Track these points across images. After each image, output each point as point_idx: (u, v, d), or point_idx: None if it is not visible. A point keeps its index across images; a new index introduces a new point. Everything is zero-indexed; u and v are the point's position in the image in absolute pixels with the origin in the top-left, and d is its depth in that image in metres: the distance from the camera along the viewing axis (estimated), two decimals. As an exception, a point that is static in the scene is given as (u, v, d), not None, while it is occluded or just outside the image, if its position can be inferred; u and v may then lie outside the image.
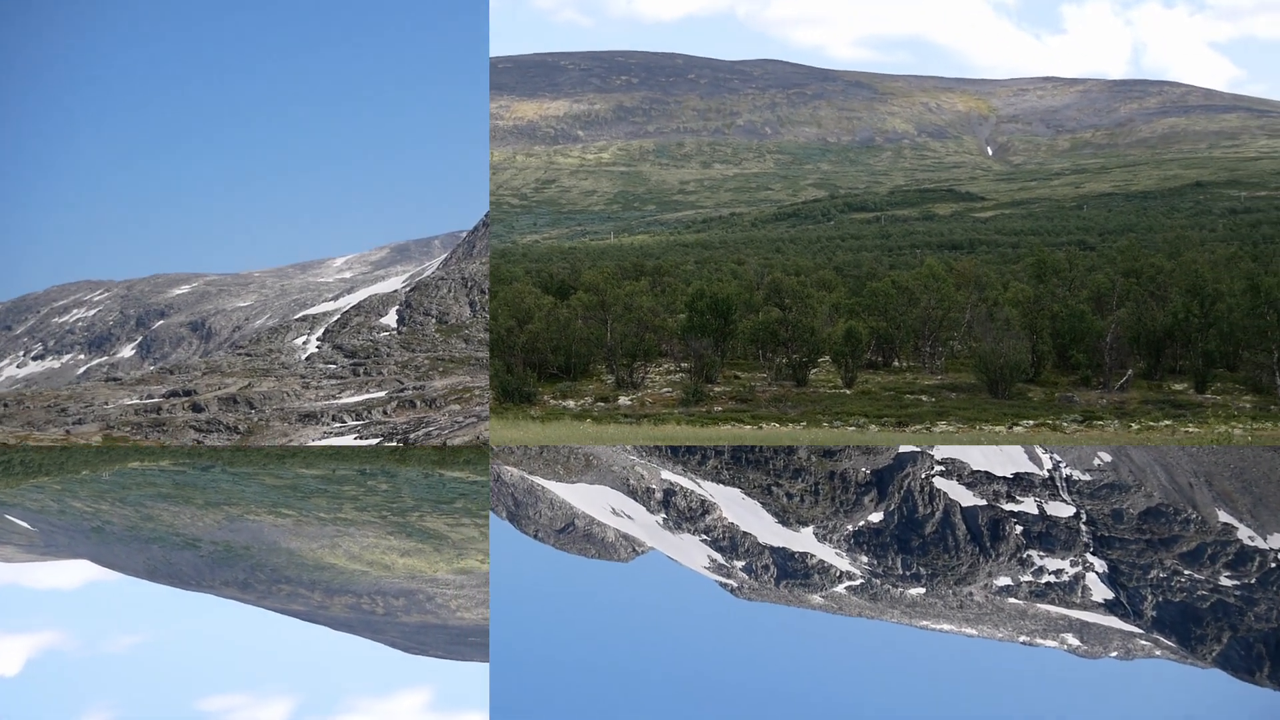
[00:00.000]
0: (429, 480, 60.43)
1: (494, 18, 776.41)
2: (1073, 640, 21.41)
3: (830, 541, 27.27)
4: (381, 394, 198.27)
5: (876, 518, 29.81)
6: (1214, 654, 20.48)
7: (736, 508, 30.03)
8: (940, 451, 39.33)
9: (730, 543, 27.32)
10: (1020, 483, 34.26)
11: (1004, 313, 69.37)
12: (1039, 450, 40.35)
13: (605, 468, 34.15)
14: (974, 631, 21.75)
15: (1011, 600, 23.54)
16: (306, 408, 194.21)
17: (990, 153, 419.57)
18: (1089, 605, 23.06)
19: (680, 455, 36.29)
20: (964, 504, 31.25)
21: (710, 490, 31.81)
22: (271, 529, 42.29)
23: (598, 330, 72.78)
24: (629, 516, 29.35)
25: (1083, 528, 29.30)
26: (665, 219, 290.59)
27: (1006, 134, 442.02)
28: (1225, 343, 63.12)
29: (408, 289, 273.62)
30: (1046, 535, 28.50)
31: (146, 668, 25.38)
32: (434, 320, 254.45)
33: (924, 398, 60.03)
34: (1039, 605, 23.15)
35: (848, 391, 62.58)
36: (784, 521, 29.02)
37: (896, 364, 74.21)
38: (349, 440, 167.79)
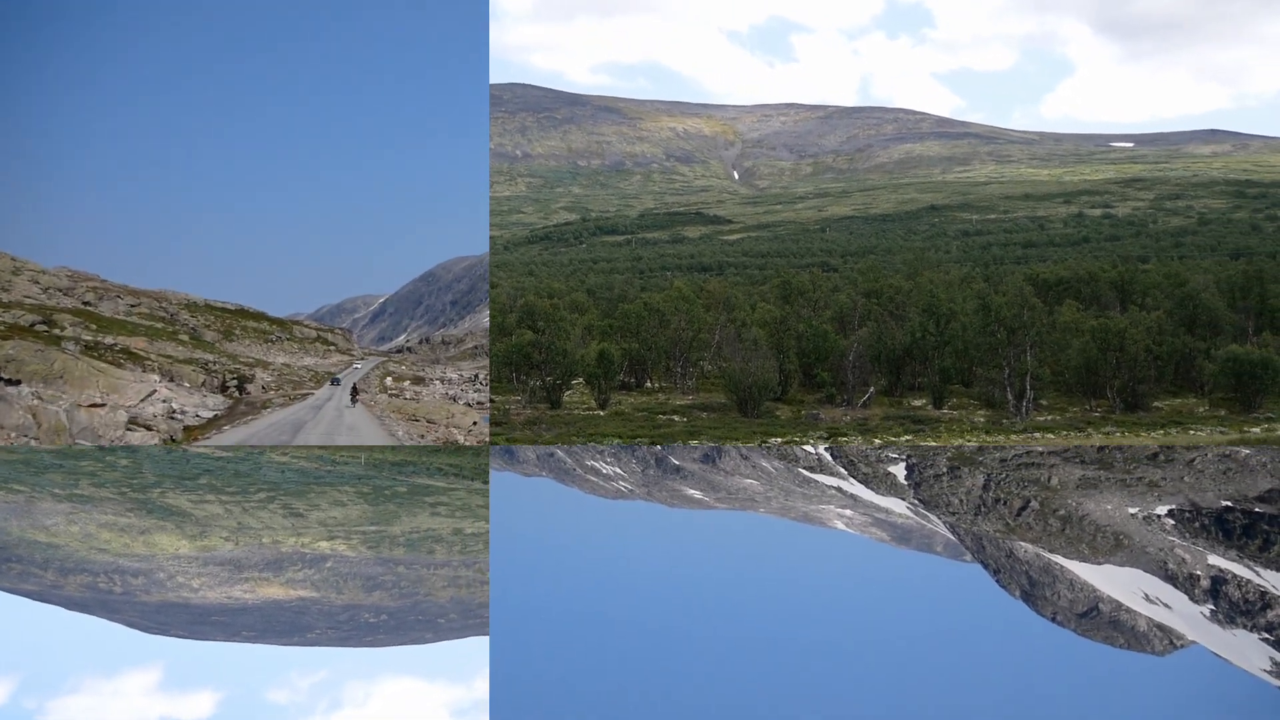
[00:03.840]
0: (171, 456, 57.86)
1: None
2: None
3: None
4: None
5: None
6: None
7: None
8: None
9: None
10: None
11: (752, 333, 70.68)
12: None
13: (1139, 548, 29.75)
14: None
15: None
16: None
17: (736, 177, 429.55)
18: None
19: (1236, 538, 31.18)
20: None
21: (1274, 580, 27.39)
22: (2, 504, 39.80)
23: (348, 355, 71.28)
24: (1166, 605, 25.76)
25: None
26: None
27: (752, 158, 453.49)
28: (960, 360, 65.65)
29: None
30: None
31: None
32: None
33: (676, 417, 60.62)
34: None
35: (601, 413, 62.71)
36: None
37: (649, 385, 74.82)
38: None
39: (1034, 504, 37.82)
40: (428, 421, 71.29)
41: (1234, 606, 26.00)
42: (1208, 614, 25.42)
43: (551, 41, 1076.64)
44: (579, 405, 66.13)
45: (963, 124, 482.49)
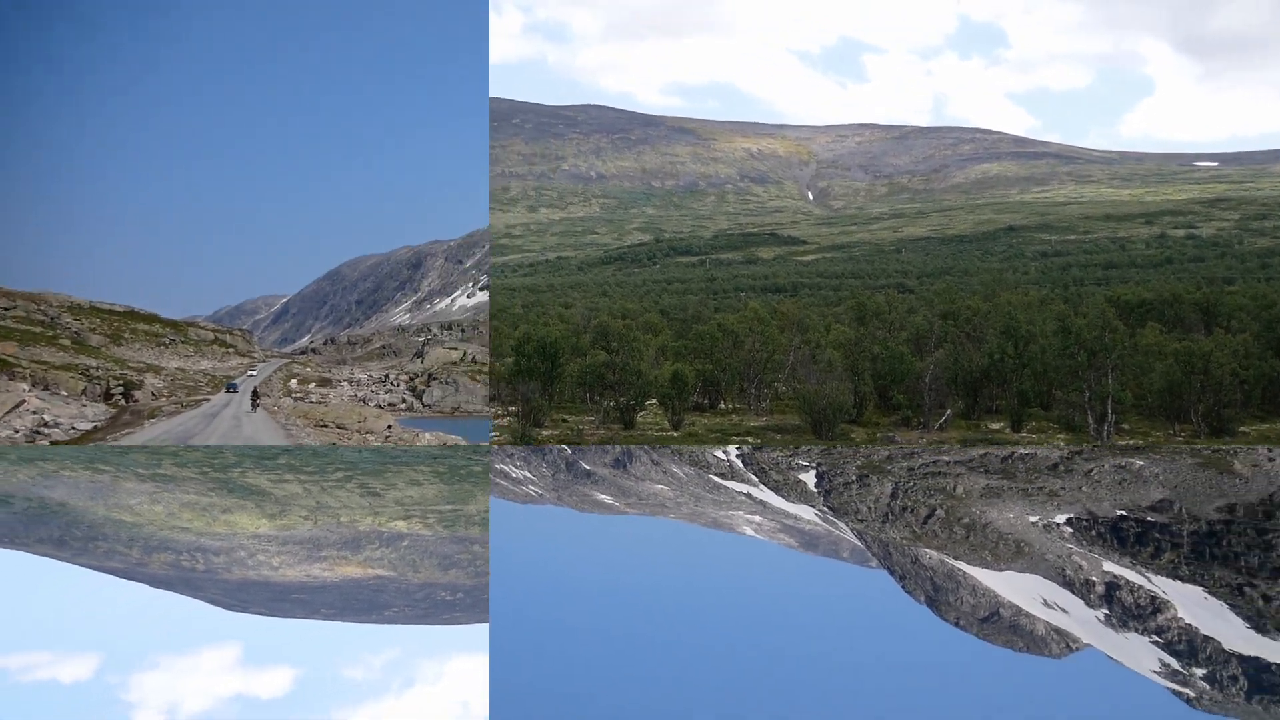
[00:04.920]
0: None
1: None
2: None
3: (1323, 655, 23.62)
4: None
5: (1386, 630, 25.70)
6: None
7: (1196, 608, 26.96)
8: None
9: (1188, 647, 24.50)
10: None
11: (826, 354, 70.09)
12: None
13: (1038, 555, 31.19)
14: None
15: None
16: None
17: (811, 197, 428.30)
18: None
19: (1129, 546, 32.86)
20: None
21: (1163, 586, 28.82)
22: (89, 485, 40.89)
23: (422, 375, 71.43)
24: (1063, 609, 26.97)
25: None
26: (493, 263, 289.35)
27: (826, 179, 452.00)
28: (1039, 382, 64.59)
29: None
30: None
31: (-57, 627, 24.62)
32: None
33: (750, 439, 60.18)
34: None
35: (675, 433, 62.39)
36: (1259, 628, 25.59)
37: (722, 406, 74.43)
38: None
39: (940, 512, 38.52)
40: (337, 427, 69.05)
41: (1126, 611, 27.13)
42: (1101, 618, 26.46)
43: (621, 63, 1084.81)
44: (653, 426, 65.87)
45: (1041, 144, 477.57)
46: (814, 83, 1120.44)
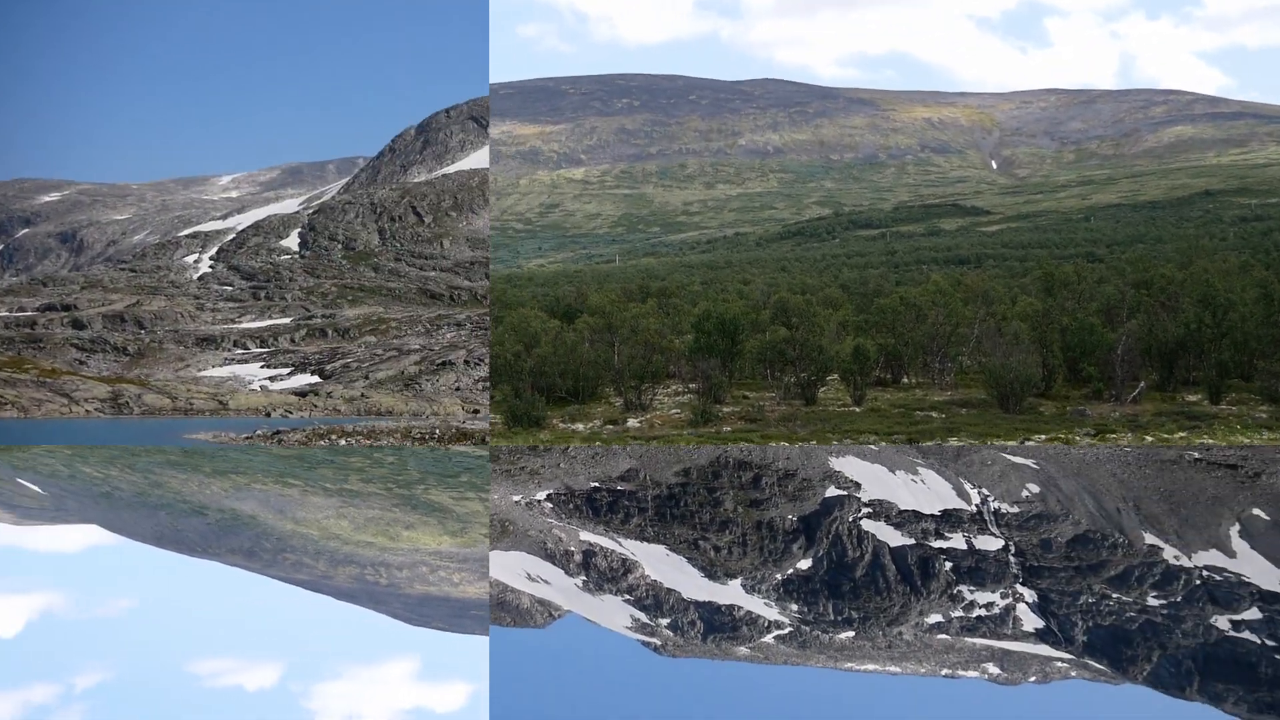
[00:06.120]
0: (434, 454, 60.52)
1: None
2: (994, 669, 22.58)
3: (759, 592, 27.41)
4: (286, 320, 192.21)
5: (805, 564, 29.89)
6: (1145, 673, 21.96)
7: (660, 565, 29.97)
8: (867, 494, 39.03)
9: (654, 601, 27.30)
10: (948, 519, 34.25)
11: (1013, 327, 68.45)
12: (967, 486, 40.18)
13: (521, 533, 33.25)
14: (898, 669, 22.49)
15: (941, 636, 24.31)
16: (204, 331, 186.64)
17: (995, 166, 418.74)
18: (1019, 635, 24.28)
19: (602, 515, 35.94)
20: (893, 544, 31.32)
21: (632, 548, 31.51)
22: (278, 498, 42.72)
23: (605, 353, 71.90)
24: (546, 581, 29.01)
25: (1012, 559, 30.00)
26: (670, 240, 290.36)
27: (1011, 147, 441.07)
28: (1239, 352, 62.12)
29: (309, 211, 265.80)
30: (976, 569, 29.18)
31: (142, 631, 25.89)
32: (340, 246, 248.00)
33: (934, 414, 59.19)
34: (966, 639, 24.16)
35: (857, 409, 61.72)
36: (711, 575, 29.13)
37: (906, 380, 73.40)
38: (254, 368, 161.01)
39: (430, 502, 40.38)
40: None
41: (602, 575, 29.66)
42: (580, 585, 28.79)
43: (795, 36, 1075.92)
44: (835, 401, 65.36)
45: (1237, 103, 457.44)
46: (994, 49, 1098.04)
